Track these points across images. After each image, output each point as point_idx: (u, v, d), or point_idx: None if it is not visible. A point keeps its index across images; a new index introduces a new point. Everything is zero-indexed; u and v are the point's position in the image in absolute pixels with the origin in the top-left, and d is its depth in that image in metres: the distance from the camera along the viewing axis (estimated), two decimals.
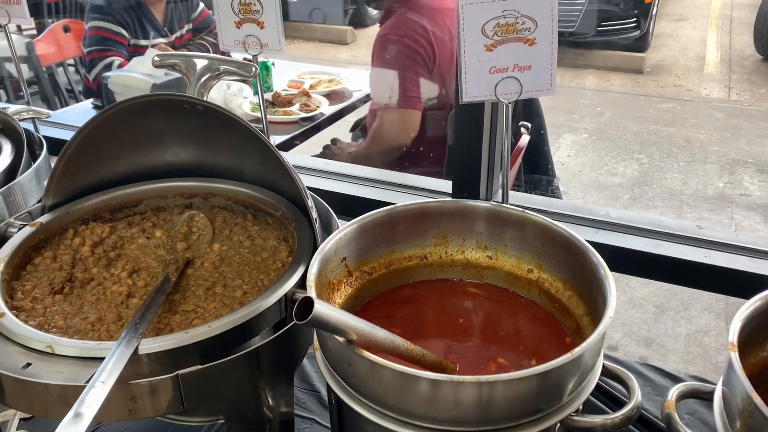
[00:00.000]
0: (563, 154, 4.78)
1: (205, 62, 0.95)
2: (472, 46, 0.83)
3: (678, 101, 5.93)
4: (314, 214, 0.91)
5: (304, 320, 0.55)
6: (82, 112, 2.58)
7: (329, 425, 1.04)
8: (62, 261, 0.95)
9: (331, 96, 2.67)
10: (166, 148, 1.05)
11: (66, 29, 3.33)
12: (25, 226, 0.98)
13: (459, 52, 0.85)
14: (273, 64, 2.78)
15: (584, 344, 0.60)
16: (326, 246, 0.77)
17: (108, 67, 2.67)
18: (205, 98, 0.97)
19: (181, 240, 1.02)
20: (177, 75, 2.47)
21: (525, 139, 1.91)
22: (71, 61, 3.64)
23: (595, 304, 0.72)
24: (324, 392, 1.09)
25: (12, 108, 1.36)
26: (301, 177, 0.93)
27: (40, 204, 1.04)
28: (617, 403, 0.94)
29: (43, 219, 0.99)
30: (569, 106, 5.75)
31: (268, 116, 2.44)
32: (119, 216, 1.07)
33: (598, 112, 5.67)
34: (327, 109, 2.53)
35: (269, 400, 0.82)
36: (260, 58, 2.68)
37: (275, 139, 2.33)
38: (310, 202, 0.91)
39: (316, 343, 0.72)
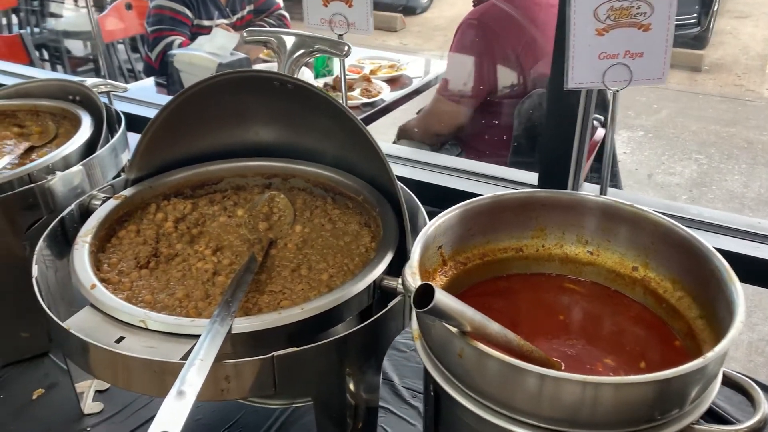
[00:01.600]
0: (618, 150, 4.66)
1: (297, 39, 0.92)
2: (583, 30, 0.79)
3: (739, 101, 5.73)
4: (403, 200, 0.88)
5: (423, 308, 0.53)
6: (145, 88, 2.60)
7: (403, 415, 1.02)
8: (146, 235, 0.94)
9: (392, 82, 2.63)
10: (249, 126, 1.04)
11: (129, 6, 3.37)
12: (108, 198, 0.98)
13: (567, 36, 0.81)
14: None
15: (718, 348, 0.56)
16: (428, 231, 0.74)
17: (169, 46, 2.68)
18: (295, 76, 0.95)
19: (263, 220, 1.00)
20: (242, 55, 2.47)
21: (600, 133, 1.85)
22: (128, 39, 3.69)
23: (712, 306, 0.68)
24: (398, 381, 1.06)
25: (90, 81, 1.36)
26: None
27: (122, 177, 1.04)
28: (711, 415, 0.89)
29: (127, 192, 0.98)
30: (625, 102, 5.59)
31: None
32: (200, 193, 1.06)
33: (655, 110, 5.50)
34: (388, 95, 2.49)
35: (356, 387, 0.80)
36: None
37: None
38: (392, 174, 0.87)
39: (416, 331, 0.69)
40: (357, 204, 1.02)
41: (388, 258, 0.84)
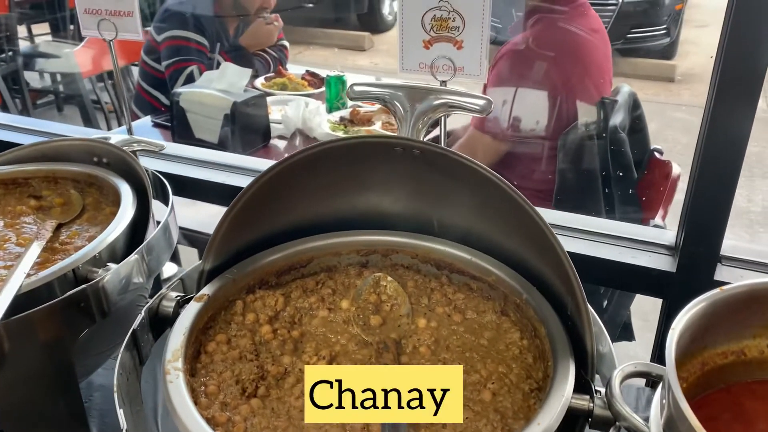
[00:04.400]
0: None
1: (424, 95, 0.74)
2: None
3: None
4: (577, 283, 0.69)
5: None
6: (143, 133, 2.36)
7: None
8: (241, 346, 0.75)
9: None
10: (353, 196, 0.85)
11: None
12: (182, 299, 0.78)
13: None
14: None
15: None
16: (678, 327, 0.56)
17: (190, 76, 2.45)
18: (421, 137, 0.77)
19: (373, 312, 0.82)
20: (256, 92, 2.27)
21: (677, 169, 1.71)
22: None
23: None
24: None
25: (115, 138, 1.15)
26: None
27: (192, 268, 0.84)
28: None
29: (208, 290, 0.78)
30: None
31: (347, 136, 2.25)
32: (286, 279, 0.87)
33: None
34: None
35: None
36: (334, 72, 2.49)
37: None
38: (568, 264, 0.69)
39: None
40: (483, 285, 0.84)
41: (571, 368, 0.67)
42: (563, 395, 0.63)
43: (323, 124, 2.23)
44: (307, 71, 2.89)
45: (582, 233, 1.09)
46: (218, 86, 1.98)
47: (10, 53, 5.19)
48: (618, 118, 1.84)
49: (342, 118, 2.34)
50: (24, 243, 0.96)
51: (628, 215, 1.74)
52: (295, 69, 2.98)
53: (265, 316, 0.79)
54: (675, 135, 5.13)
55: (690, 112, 5.74)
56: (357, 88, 0.78)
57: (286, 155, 0.75)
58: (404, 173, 0.81)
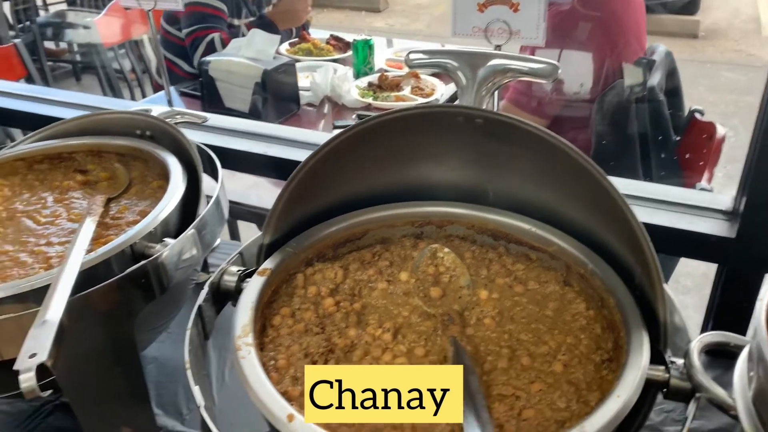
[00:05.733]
0: None
1: (487, 62, 0.72)
2: None
3: (747, 68, 5.60)
4: (651, 253, 0.68)
5: None
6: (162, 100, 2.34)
7: None
8: (305, 319, 0.74)
9: (442, 76, 2.40)
10: (412, 168, 0.84)
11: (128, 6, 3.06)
12: (243, 273, 0.78)
13: None
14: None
15: None
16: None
17: (211, 44, 2.42)
18: (484, 106, 0.75)
19: (432, 284, 0.81)
20: (286, 59, 2.24)
21: (722, 130, 1.67)
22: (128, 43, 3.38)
23: None
24: None
25: (157, 110, 1.14)
26: None
27: (251, 242, 0.83)
28: None
29: (270, 264, 0.78)
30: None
31: (377, 102, 2.22)
32: (342, 252, 0.86)
33: None
34: (444, 90, 2.28)
35: None
36: (361, 37, 2.45)
37: None
38: (641, 235, 0.67)
39: None
40: (543, 255, 0.83)
41: (646, 340, 0.66)
42: (640, 366, 0.62)
43: (352, 90, 2.20)
44: (331, 36, 2.85)
45: (634, 199, 1.07)
46: (247, 54, 1.95)
47: (28, 23, 5.18)
48: (655, 79, 1.79)
49: (370, 84, 2.31)
50: (76, 218, 0.96)
51: (668, 179, 1.71)
52: (318, 33, 2.93)
53: (326, 289, 0.79)
54: (701, 94, 5.03)
55: (715, 69, 5.61)
56: (414, 57, 0.76)
57: (342, 128, 0.73)
58: (460, 142, 0.79)
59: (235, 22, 2.61)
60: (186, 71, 2.73)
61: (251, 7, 2.73)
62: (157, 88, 2.83)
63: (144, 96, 3.01)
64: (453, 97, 2.29)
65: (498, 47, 0.87)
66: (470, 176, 0.85)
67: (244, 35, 2.48)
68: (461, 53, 0.73)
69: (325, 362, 0.69)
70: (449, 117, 0.73)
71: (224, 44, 2.44)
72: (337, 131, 0.74)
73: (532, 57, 0.72)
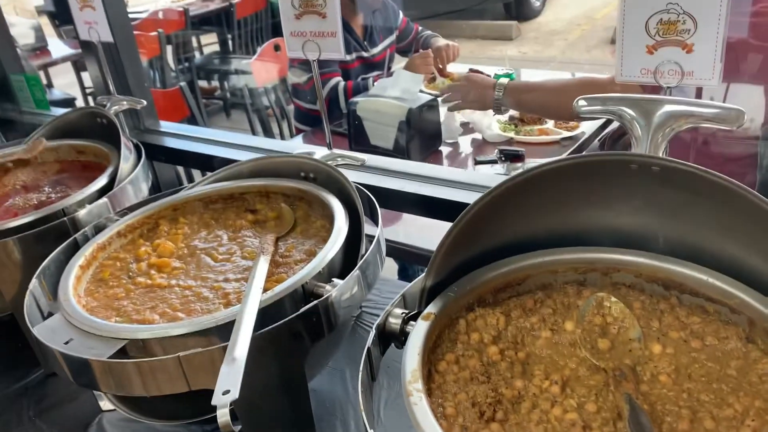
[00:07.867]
0: None
1: (665, 107, 0.70)
2: None
3: None
4: None
5: None
6: (310, 141, 2.48)
7: None
8: (470, 367, 0.75)
9: None
10: (578, 214, 0.83)
11: (277, 48, 3.30)
12: (407, 316, 0.80)
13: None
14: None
15: None
16: None
17: (334, 90, 2.56)
18: (660, 153, 0.73)
19: (600, 335, 0.78)
20: (430, 97, 2.30)
21: None
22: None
23: None
24: None
25: (319, 153, 1.21)
26: None
27: (412, 285, 0.85)
28: None
29: (433, 308, 0.79)
30: None
31: (519, 136, 2.20)
32: (502, 297, 0.86)
33: None
34: (587, 124, 2.22)
35: None
36: (501, 70, 2.45)
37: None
38: None
39: None
40: (722, 309, 0.77)
41: None
42: None
43: (493, 125, 2.20)
44: (470, 69, 2.87)
45: None
46: (392, 93, 2.02)
47: (187, 64, 5.70)
48: None
49: (512, 117, 2.29)
50: (249, 256, 1.03)
51: None
52: (457, 67, 2.97)
53: (489, 336, 0.79)
54: None
55: None
56: (583, 104, 0.75)
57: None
58: (631, 189, 0.77)
59: (346, 58, 2.71)
60: (306, 108, 2.90)
61: (362, 43, 2.83)
62: (297, 130, 3.03)
63: (291, 131, 3.20)
64: (597, 131, 2.22)
65: (668, 89, 0.83)
66: (638, 223, 0.82)
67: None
68: (635, 100, 0.71)
69: (494, 413, 0.69)
70: (623, 164, 0.71)
71: (346, 89, 2.58)
72: (502, 178, 0.74)
73: (712, 102, 0.69)
